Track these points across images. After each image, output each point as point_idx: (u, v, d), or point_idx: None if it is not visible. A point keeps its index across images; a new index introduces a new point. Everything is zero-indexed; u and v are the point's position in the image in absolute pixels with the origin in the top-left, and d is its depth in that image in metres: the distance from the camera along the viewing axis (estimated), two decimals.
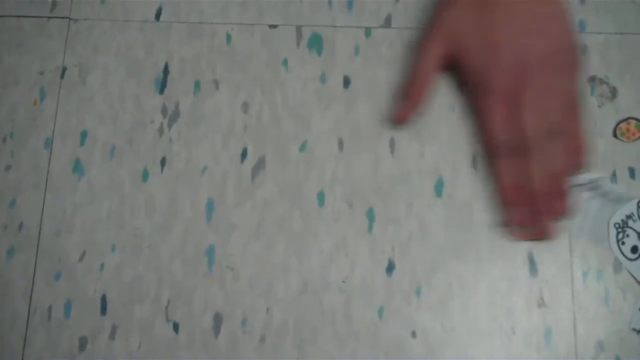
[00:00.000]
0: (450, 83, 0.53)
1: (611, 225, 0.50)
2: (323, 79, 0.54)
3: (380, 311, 0.50)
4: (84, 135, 0.54)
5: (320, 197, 0.52)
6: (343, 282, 0.50)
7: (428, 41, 0.51)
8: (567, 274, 0.50)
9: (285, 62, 0.55)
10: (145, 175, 0.53)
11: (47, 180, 0.53)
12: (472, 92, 0.50)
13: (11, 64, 0.56)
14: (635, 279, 0.49)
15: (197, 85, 0.54)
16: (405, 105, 0.51)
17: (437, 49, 0.50)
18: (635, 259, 0.49)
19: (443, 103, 0.53)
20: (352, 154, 0.52)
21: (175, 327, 0.50)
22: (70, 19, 0.57)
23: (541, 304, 0.49)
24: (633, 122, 0.51)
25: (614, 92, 0.52)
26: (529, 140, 0.47)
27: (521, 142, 0.48)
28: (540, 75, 0.47)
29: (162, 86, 0.55)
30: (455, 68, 0.51)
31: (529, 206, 0.49)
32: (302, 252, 0.51)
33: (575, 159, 0.49)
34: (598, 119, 0.52)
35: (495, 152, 0.50)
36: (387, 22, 0.55)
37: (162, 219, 0.52)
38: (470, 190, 0.51)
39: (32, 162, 0.54)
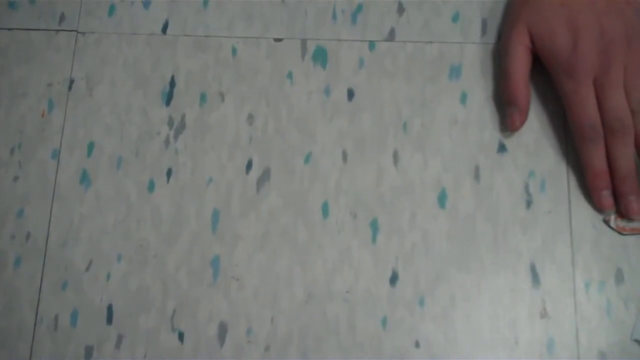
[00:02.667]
0: (454, 95, 0.54)
1: None
2: (327, 91, 0.55)
3: (384, 321, 0.50)
4: (91, 146, 0.55)
5: (325, 208, 0.52)
6: (347, 292, 0.51)
7: (513, 40, 0.52)
8: (570, 285, 0.50)
9: (290, 75, 0.55)
10: (151, 186, 0.53)
11: (54, 190, 0.54)
12: (557, 76, 0.51)
13: (20, 76, 0.56)
14: None
15: (203, 97, 0.55)
16: (515, 112, 0.52)
17: (524, 44, 0.51)
18: None
19: (446, 115, 0.54)
20: (356, 166, 0.53)
21: (181, 336, 0.50)
22: (78, 32, 0.57)
23: (544, 315, 0.50)
24: None
25: None
26: (615, 120, 0.49)
27: (608, 123, 0.49)
28: (624, 52, 0.49)
29: (168, 98, 0.55)
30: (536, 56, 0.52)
31: (618, 189, 0.50)
32: (306, 263, 0.51)
33: None
34: None
35: (582, 135, 0.50)
36: (391, 36, 0.56)
37: (168, 229, 0.52)
38: (473, 202, 0.52)
39: (39, 173, 0.54)
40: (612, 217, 0.51)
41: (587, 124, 0.49)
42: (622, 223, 0.51)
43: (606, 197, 0.50)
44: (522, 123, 0.52)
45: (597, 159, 0.50)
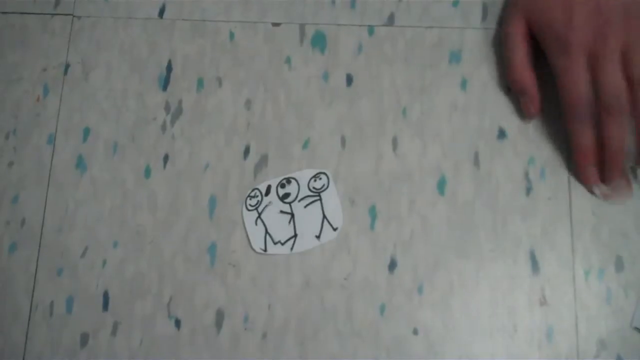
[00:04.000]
0: (454, 81, 0.53)
1: None
2: (326, 76, 0.54)
3: (382, 309, 0.50)
4: (86, 131, 0.54)
5: None
6: (345, 279, 0.50)
7: (511, 30, 0.52)
8: (569, 272, 0.50)
9: (288, 59, 0.55)
10: (147, 172, 0.53)
11: (49, 176, 0.53)
12: (551, 52, 0.50)
13: (14, 60, 0.56)
14: None
15: (200, 82, 0.55)
16: (527, 101, 0.52)
17: (522, 33, 0.51)
18: None
19: (446, 100, 0.53)
20: (354, 152, 0.52)
21: (177, 323, 0.50)
22: (74, 16, 0.57)
23: (543, 302, 0.49)
24: None
25: None
26: (612, 97, 0.48)
27: (604, 101, 0.48)
28: (622, 28, 0.48)
29: (165, 83, 0.55)
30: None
31: (607, 164, 0.50)
32: (304, 249, 0.51)
33: None
34: None
35: (572, 113, 0.49)
36: (390, 20, 0.55)
37: (165, 215, 0.52)
38: (472, 188, 0.52)
39: (35, 158, 0.54)
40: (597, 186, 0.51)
41: (579, 101, 0.49)
42: (606, 190, 0.50)
43: (592, 172, 0.50)
44: (537, 109, 0.51)
45: (585, 137, 0.49)
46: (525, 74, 0.51)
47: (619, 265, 0.50)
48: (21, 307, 0.51)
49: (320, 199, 0.51)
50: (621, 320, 0.49)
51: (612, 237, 0.50)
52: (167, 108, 0.54)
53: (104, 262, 0.51)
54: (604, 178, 0.50)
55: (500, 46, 0.54)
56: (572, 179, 0.51)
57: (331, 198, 0.51)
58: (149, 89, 0.55)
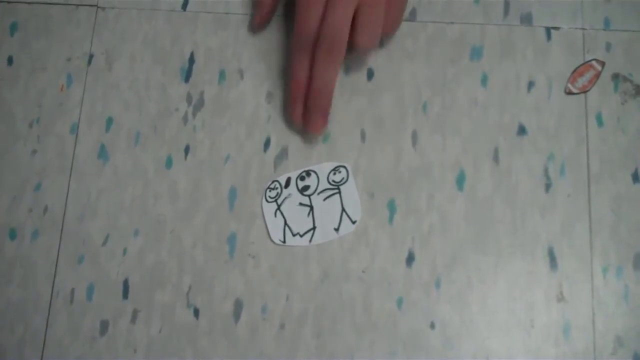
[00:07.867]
0: (474, 77, 0.54)
1: None
2: (347, 70, 0.54)
3: (400, 302, 0.50)
4: (109, 121, 0.55)
5: None
6: (363, 272, 0.51)
7: None
8: (587, 269, 0.50)
9: None
10: (169, 162, 0.53)
11: (72, 165, 0.54)
12: None
13: (39, 49, 0.56)
14: None
15: (222, 74, 0.55)
16: (259, 13, 0.54)
17: None
18: None
19: (466, 96, 0.53)
20: (374, 146, 0.53)
21: (196, 312, 0.51)
22: (98, 7, 0.57)
23: (560, 298, 0.49)
24: None
25: (637, 90, 0.53)
26: (325, 33, 0.49)
27: (319, 35, 0.49)
28: None
29: (187, 75, 0.55)
30: None
31: (309, 101, 0.51)
32: (322, 242, 0.51)
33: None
34: (621, 117, 0.52)
35: (294, 42, 0.51)
36: (412, 16, 0.55)
37: (185, 205, 0.52)
38: (491, 184, 0.52)
39: (57, 147, 0.54)
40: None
41: (303, 30, 0.50)
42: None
43: (299, 106, 0.52)
44: (262, 20, 0.55)
45: (302, 69, 0.51)
46: None
47: (637, 262, 0.50)
48: (42, 294, 0.52)
49: (340, 192, 0.52)
50: (639, 318, 0.49)
51: (631, 235, 0.50)
52: (189, 99, 0.55)
53: (125, 251, 0.52)
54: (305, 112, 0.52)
55: (521, 43, 0.54)
56: (592, 176, 0.51)
57: (350, 191, 0.52)
58: (171, 81, 0.55)
